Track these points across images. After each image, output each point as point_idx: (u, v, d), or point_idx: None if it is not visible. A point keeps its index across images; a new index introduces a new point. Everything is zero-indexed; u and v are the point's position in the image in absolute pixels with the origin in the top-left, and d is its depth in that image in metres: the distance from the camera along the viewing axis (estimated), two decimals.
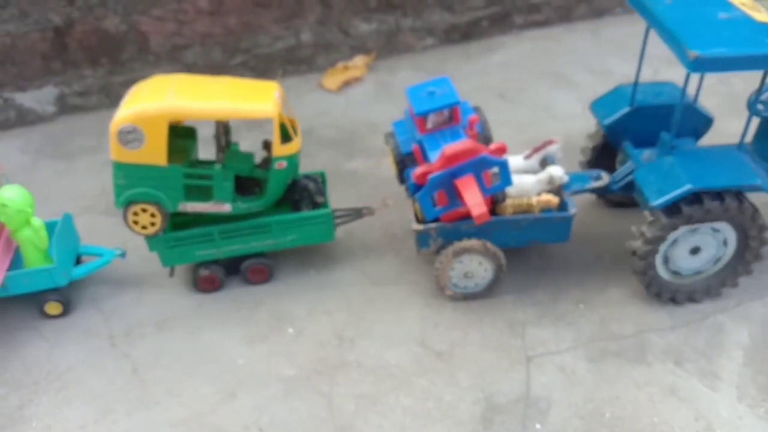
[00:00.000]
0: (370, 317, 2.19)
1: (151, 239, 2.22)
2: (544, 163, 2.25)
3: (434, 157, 2.01)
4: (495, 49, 3.59)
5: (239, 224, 2.22)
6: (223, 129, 2.32)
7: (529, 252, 2.37)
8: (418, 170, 2.00)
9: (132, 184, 2.08)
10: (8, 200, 2.14)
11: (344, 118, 3.23)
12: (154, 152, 2.04)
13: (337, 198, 2.59)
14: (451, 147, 1.95)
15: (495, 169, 2.02)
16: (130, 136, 2.00)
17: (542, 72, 3.38)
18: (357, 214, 2.38)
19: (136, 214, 2.14)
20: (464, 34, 3.60)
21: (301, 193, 2.29)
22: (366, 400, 1.93)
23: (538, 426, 1.83)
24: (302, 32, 3.42)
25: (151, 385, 2.03)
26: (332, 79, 3.42)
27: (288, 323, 2.19)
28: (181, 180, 2.10)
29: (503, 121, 2.94)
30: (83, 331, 2.24)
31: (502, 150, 2.01)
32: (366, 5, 3.43)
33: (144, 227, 2.16)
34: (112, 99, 3.36)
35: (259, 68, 3.44)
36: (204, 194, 2.16)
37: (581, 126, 2.98)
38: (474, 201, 1.94)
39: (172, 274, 2.36)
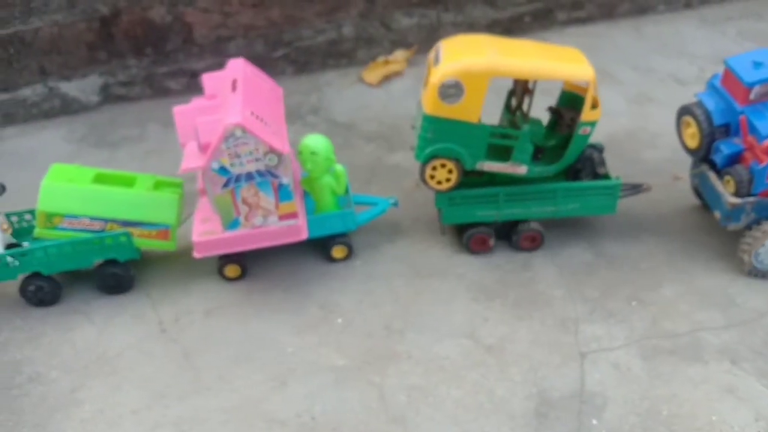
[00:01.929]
0: (418, 310, 2.19)
1: (438, 195, 2.25)
2: None
3: (765, 128, 2.00)
4: None
5: (525, 188, 2.23)
6: (522, 91, 2.32)
7: (577, 248, 2.35)
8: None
9: (439, 139, 2.11)
10: (318, 148, 2.23)
11: (385, 112, 3.22)
12: (470, 108, 2.06)
13: (381, 191, 2.60)
14: None
15: None
16: (451, 90, 2.02)
17: None
18: (635, 189, 2.34)
19: (434, 168, 2.16)
20: (506, 29, 3.58)
21: (584, 163, 2.27)
22: (417, 392, 1.93)
23: (594, 422, 1.81)
24: (344, 26, 3.42)
25: (203, 371, 2.04)
26: (373, 74, 3.42)
27: (337, 314, 2.19)
28: (486, 138, 2.13)
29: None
30: (132, 316, 2.26)
31: None
32: (408, 0, 3.42)
33: (439, 182, 2.19)
34: (155, 89, 3.39)
35: (300, 61, 3.45)
36: (503, 155, 2.18)
37: (626, 122, 2.96)
38: None
39: (443, 232, 2.39)
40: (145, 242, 2.31)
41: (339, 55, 3.48)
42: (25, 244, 2.30)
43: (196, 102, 2.28)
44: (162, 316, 2.25)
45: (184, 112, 2.25)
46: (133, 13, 3.20)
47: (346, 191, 2.35)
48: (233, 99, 2.08)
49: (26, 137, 3.30)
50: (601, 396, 1.88)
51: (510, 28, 3.60)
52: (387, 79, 3.41)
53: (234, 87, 2.13)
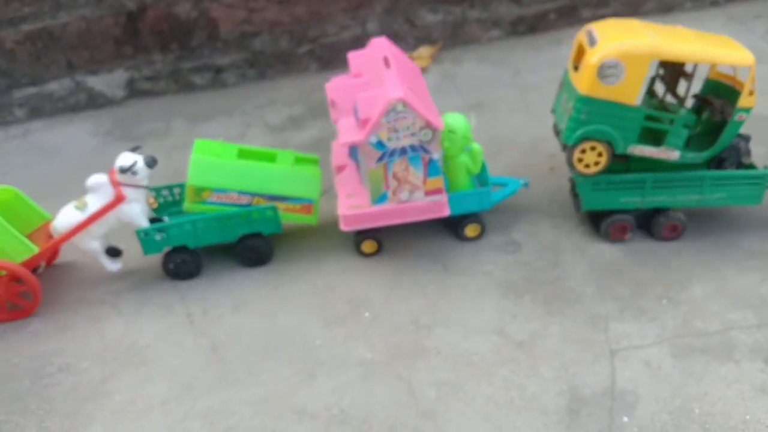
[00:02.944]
0: (446, 305, 2.18)
1: (580, 180, 2.25)
2: None
3: None
4: (562, 42, 3.54)
5: (674, 175, 2.21)
6: (674, 76, 2.32)
7: (607, 245, 2.33)
8: None
9: (592, 120, 2.10)
10: (456, 126, 2.25)
11: None
12: (628, 90, 2.05)
13: None
14: None
15: None
16: (610, 71, 2.02)
17: None
18: None
19: (584, 151, 2.16)
20: (531, 26, 3.57)
21: (729, 152, 2.24)
22: (447, 387, 1.92)
23: (625, 419, 1.80)
24: (369, 22, 3.42)
25: (231, 364, 2.05)
26: None
27: (364, 308, 2.19)
28: (640, 122, 2.11)
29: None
30: (160, 308, 2.27)
31: None
32: None
33: (587, 165, 2.18)
34: (180, 85, 3.42)
35: (325, 57, 3.46)
36: (656, 139, 2.17)
37: None
38: None
39: (579, 209, 2.35)
40: (289, 216, 2.37)
41: None
42: (165, 218, 2.35)
43: (342, 80, 2.35)
44: (190, 308, 2.26)
45: (336, 88, 2.32)
46: (159, 8, 3.22)
47: (482, 170, 2.37)
48: (389, 75, 2.15)
49: (52, 131, 3.34)
50: (632, 393, 1.86)
51: (534, 24, 3.59)
52: None
53: (387, 64, 2.21)
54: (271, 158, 2.40)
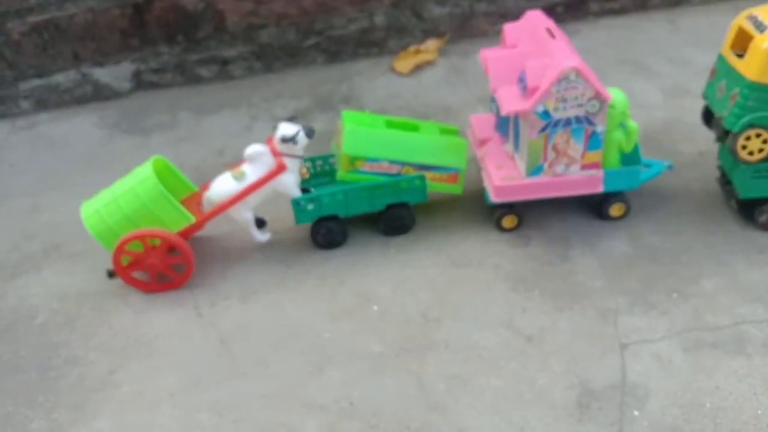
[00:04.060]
0: (455, 298, 2.17)
1: (736, 167, 2.24)
2: None
3: None
4: (570, 36, 3.46)
5: None
6: None
7: (616, 240, 2.32)
8: None
9: (759, 108, 2.09)
10: (616, 101, 2.21)
11: (416, 101, 3.20)
12: None
13: None
14: None
15: None
16: None
17: (620, 60, 3.31)
18: None
19: (748, 138, 2.14)
20: None
21: None
22: (456, 381, 1.91)
23: (636, 413, 1.79)
24: (376, 15, 3.40)
25: (240, 356, 2.04)
26: (404, 63, 3.40)
27: (373, 301, 2.18)
28: None
29: None
30: (168, 300, 2.26)
31: None
32: None
33: (751, 153, 2.17)
34: (187, 77, 3.40)
35: (332, 50, 3.44)
36: None
37: (662, 115, 2.92)
38: None
39: (732, 198, 2.34)
40: (435, 186, 2.39)
41: (370, 45, 3.47)
42: (312, 189, 2.38)
43: (496, 51, 2.36)
44: (198, 300, 2.25)
45: (494, 58, 2.31)
46: (165, 0, 3.21)
47: (634, 150, 2.35)
48: (557, 45, 2.15)
49: (59, 123, 3.33)
50: (642, 387, 1.85)
51: None
52: (418, 68, 3.39)
53: (552, 35, 2.22)
54: (415, 128, 2.44)
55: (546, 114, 2.12)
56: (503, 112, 2.16)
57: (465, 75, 3.30)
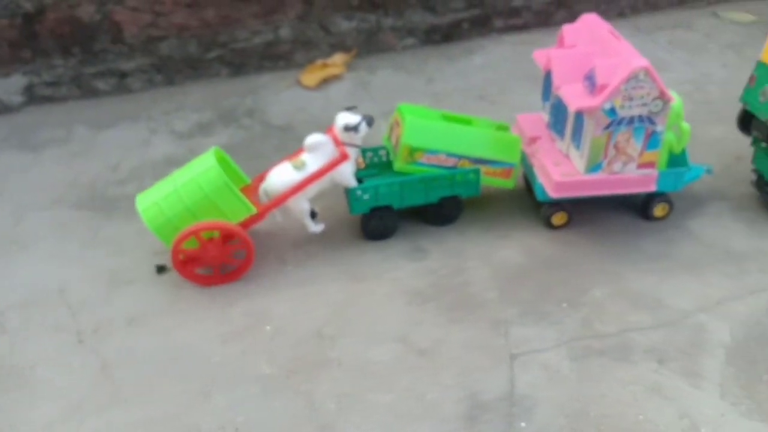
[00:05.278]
0: (351, 314, 2.14)
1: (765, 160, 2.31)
2: None
3: None
4: (475, 52, 3.58)
5: None
6: None
7: (510, 251, 2.35)
8: None
9: None
10: (673, 103, 2.20)
11: (323, 115, 3.17)
12: None
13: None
14: None
15: None
16: None
17: (522, 75, 3.38)
18: None
19: None
20: (445, 35, 3.59)
21: None
22: (347, 399, 1.88)
23: (523, 424, 1.80)
24: (281, 28, 3.36)
25: (122, 383, 1.94)
26: (310, 76, 3.37)
27: (265, 321, 2.12)
28: None
29: None
30: (48, 325, 2.14)
31: None
32: (348, 3, 3.39)
33: None
34: (83, 90, 3.27)
35: (235, 63, 3.38)
36: None
37: None
38: None
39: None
40: (489, 180, 2.39)
41: (276, 58, 3.43)
42: (362, 180, 2.34)
43: (557, 50, 2.39)
44: (81, 325, 2.13)
45: (558, 57, 2.34)
46: (59, 10, 3.08)
47: (682, 152, 2.38)
48: (624, 46, 2.21)
49: None
50: (530, 398, 1.86)
51: (449, 34, 3.62)
52: (325, 82, 3.37)
53: (615, 36, 2.26)
54: (469, 123, 2.45)
55: (612, 111, 2.17)
56: (572, 109, 2.21)
57: (371, 89, 3.30)
